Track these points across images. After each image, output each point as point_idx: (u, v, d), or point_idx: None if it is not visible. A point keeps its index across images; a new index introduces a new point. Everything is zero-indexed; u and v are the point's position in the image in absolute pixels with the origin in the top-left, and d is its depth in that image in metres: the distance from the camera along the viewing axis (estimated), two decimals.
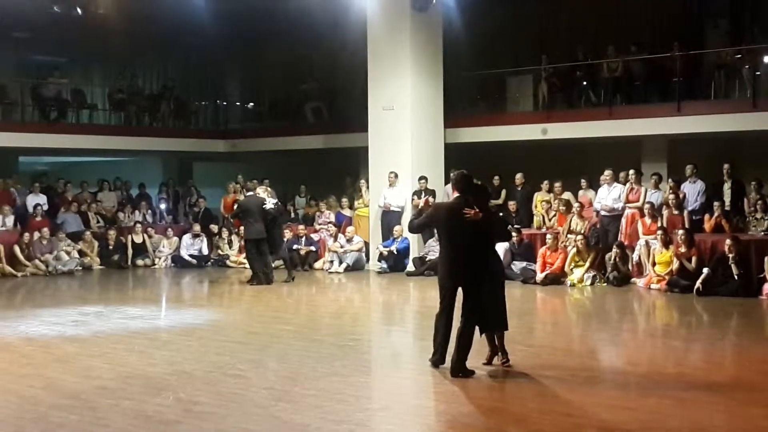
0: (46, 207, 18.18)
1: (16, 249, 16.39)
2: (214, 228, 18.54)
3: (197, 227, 18.27)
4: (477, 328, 7.78)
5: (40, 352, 8.99)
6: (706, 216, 14.21)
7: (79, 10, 16.51)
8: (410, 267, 16.15)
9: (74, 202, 18.71)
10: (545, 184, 16.36)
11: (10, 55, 21.19)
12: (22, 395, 7.13)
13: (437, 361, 7.86)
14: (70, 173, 22.26)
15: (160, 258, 18.10)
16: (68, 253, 17.03)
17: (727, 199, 14.57)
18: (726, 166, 14.81)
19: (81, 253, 17.40)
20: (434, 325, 7.92)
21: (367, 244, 17.11)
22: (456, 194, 8.07)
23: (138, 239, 18.17)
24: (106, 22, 17.10)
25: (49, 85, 20.23)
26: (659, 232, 13.59)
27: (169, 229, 18.67)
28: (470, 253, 7.71)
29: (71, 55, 22.39)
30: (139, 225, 18.55)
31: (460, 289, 7.76)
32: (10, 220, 17.44)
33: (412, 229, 8.55)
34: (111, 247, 17.84)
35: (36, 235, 16.86)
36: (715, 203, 14.14)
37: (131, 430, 6.14)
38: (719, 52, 16.58)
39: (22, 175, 21.02)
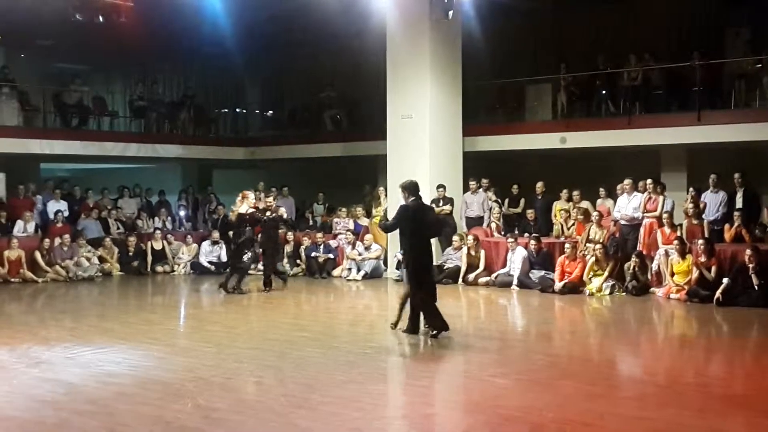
0: (66, 213, 18.33)
1: (37, 255, 16.52)
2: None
3: (216, 234, 18.34)
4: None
5: (60, 358, 9.06)
6: (726, 226, 14.12)
7: (100, 19, 16.62)
8: None
9: (95, 209, 18.84)
10: (564, 193, 16.33)
11: (32, 63, 21.41)
12: (42, 400, 7.19)
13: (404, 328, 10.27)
14: (91, 180, 22.42)
15: (179, 265, 18.18)
16: (88, 259, 17.15)
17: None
18: (737, 175, 14.72)
19: (101, 259, 17.52)
20: None
21: (385, 251, 17.13)
22: (411, 198, 10.36)
23: (157, 246, 18.26)
24: (128, 31, 17.21)
25: (71, 93, 20.39)
26: (676, 242, 13.52)
27: (189, 236, 18.76)
28: (415, 242, 10.17)
29: (93, 62, 22.57)
30: (158, 232, 18.65)
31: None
32: (31, 226, 17.59)
33: (386, 229, 11.03)
34: (131, 254, 17.95)
35: (57, 241, 16.99)
36: (735, 213, 14.05)
37: None
38: (740, 61, 16.51)
39: (44, 181, 21.19)
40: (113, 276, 17.45)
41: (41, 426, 6.45)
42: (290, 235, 17.73)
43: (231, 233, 14.94)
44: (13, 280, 16.14)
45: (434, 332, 10.01)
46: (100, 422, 6.50)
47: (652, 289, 13.89)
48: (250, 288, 14.81)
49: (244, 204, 14.57)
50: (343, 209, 18.54)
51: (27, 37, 20.02)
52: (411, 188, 10.46)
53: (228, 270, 15.21)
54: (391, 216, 10.89)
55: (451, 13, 15.63)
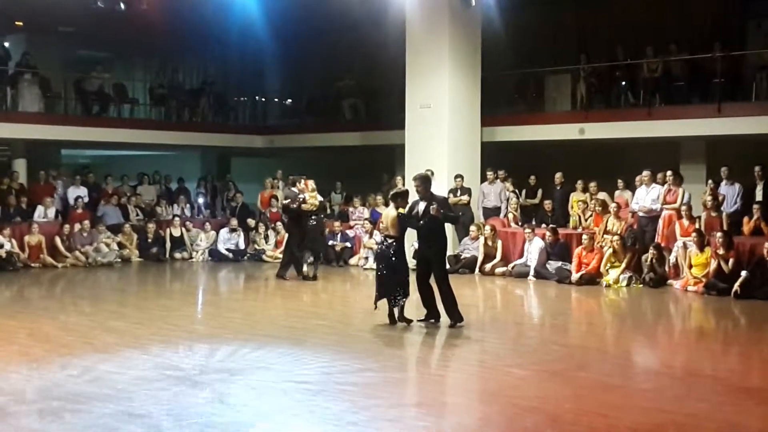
0: (86, 199, 18.47)
1: (57, 240, 16.67)
2: (251, 223, 18.70)
3: (234, 222, 18.43)
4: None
5: (79, 343, 9.15)
6: (745, 218, 14.05)
7: (122, 6, 16.73)
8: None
9: (114, 195, 18.98)
10: (579, 184, 16.28)
11: (54, 50, 21.54)
12: (62, 385, 7.27)
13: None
14: (111, 166, 22.58)
15: (197, 251, 18.28)
16: (108, 245, 17.27)
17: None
18: (757, 168, 14.64)
19: (120, 245, 17.64)
20: None
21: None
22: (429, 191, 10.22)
23: (176, 233, 18.35)
24: (149, 18, 17.31)
25: (92, 80, 20.50)
26: (694, 234, 13.46)
27: (207, 223, 18.85)
28: (444, 234, 10.47)
29: (114, 50, 22.72)
30: (177, 218, 18.74)
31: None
32: (52, 212, 17.74)
33: (455, 221, 11.16)
34: (150, 240, 18.06)
35: (77, 226, 17.12)
36: (755, 206, 13.97)
37: (168, 422, 6.23)
38: (761, 53, 16.39)
39: (65, 167, 21.35)
40: (132, 262, 17.57)
41: (60, 410, 6.48)
42: None
43: (298, 220, 14.76)
44: (33, 265, 16.30)
45: (452, 323, 10.02)
46: (117, 407, 6.55)
47: (669, 281, 13.84)
48: (267, 276, 14.91)
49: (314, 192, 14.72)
50: (357, 199, 18.59)
51: (49, 24, 20.17)
52: (430, 181, 10.43)
53: (297, 258, 14.82)
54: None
55: (474, 0, 15.60)
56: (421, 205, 10.12)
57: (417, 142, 16.94)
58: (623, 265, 13.98)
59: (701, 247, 13.33)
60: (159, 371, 7.72)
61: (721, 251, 12.98)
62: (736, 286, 12.49)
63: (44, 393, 6.98)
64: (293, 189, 15.23)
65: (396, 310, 10.18)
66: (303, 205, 14.44)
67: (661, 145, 17.01)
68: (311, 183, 14.76)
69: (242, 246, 18.14)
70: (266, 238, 18.13)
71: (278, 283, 14.48)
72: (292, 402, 6.78)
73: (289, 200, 14.77)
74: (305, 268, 14.66)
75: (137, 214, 19.12)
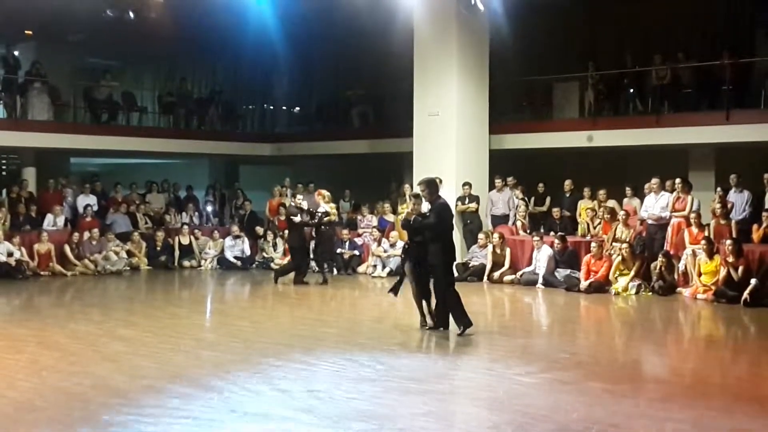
0: (95, 207, 18.52)
1: (67, 248, 16.71)
2: (260, 231, 18.71)
3: (236, 228, 18.43)
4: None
5: (88, 351, 9.16)
6: (754, 226, 14.00)
7: (131, 15, 16.80)
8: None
9: (123, 203, 19.03)
10: (586, 191, 16.26)
11: (63, 58, 21.65)
12: (70, 393, 7.28)
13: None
14: (120, 175, 22.65)
15: (205, 260, 18.30)
16: (117, 253, 17.32)
17: None
18: (766, 175, 14.61)
19: (129, 253, 17.68)
20: None
21: None
22: (435, 195, 10.21)
23: (185, 241, 18.38)
24: (157, 27, 17.37)
25: (101, 88, 20.59)
26: (703, 242, 13.41)
27: (216, 231, 18.87)
28: (448, 241, 10.23)
29: (123, 58, 22.83)
30: (186, 227, 18.78)
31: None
32: (61, 220, 17.80)
33: (433, 228, 10.12)
34: (158, 248, 18.09)
35: (86, 235, 17.18)
36: (764, 213, 13.92)
37: (178, 430, 6.24)
38: None
39: (74, 176, 21.42)
40: (141, 270, 17.60)
41: (68, 419, 6.51)
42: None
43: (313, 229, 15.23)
44: (42, 273, 16.35)
45: (461, 330, 10.01)
46: (127, 415, 6.56)
47: (678, 289, 13.80)
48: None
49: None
50: (365, 207, 18.61)
51: (58, 33, 20.28)
52: (436, 185, 10.37)
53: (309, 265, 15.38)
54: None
55: (482, 7, 15.64)
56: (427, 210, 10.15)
57: (425, 149, 16.95)
58: (632, 273, 13.95)
59: (710, 255, 13.29)
60: (168, 379, 7.72)
61: (730, 259, 12.94)
62: (745, 294, 12.44)
63: (53, 402, 6.99)
64: (292, 204, 15.41)
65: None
66: (325, 218, 14.69)
67: (670, 153, 16.98)
68: (327, 193, 14.88)
69: (248, 252, 18.14)
70: (274, 246, 18.13)
71: (286, 290, 14.48)
72: (300, 411, 6.74)
73: (301, 218, 14.87)
74: (313, 275, 14.72)
75: (146, 222, 19.17)
